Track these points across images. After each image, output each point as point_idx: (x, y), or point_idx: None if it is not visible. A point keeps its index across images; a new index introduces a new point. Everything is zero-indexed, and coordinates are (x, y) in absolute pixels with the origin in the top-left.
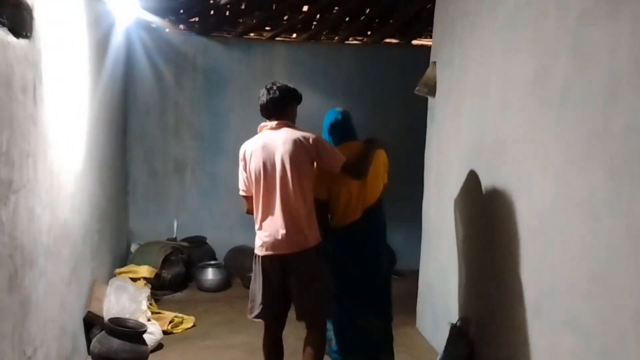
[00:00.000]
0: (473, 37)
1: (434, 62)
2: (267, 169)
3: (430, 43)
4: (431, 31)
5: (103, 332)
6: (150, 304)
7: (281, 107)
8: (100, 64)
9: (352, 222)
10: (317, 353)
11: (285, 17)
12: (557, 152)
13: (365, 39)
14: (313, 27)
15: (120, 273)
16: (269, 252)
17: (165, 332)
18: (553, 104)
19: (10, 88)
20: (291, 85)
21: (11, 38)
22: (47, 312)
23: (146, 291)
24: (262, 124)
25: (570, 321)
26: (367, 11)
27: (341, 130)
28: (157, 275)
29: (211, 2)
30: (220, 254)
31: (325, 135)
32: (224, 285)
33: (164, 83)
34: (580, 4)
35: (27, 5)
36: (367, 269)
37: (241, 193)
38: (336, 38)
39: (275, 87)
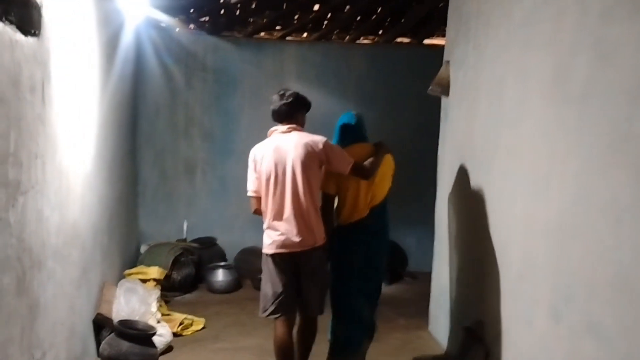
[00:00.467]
0: (488, 36)
1: (448, 62)
2: (278, 171)
3: (443, 42)
4: (443, 30)
5: (112, 334)
6: (160, 306)
7: (292, 113)
8: (109, 64)
9: (359, 219)
10: (310, 339)
11: (296, 17)
12: (577, 153)
13: (376, 39)
14: (324, 26)
15: (130, 274)
16: (281, 250)
17: (175, 334)
18: (573, 103)
19: (19, 88)
20: (302, 91)
21: (19, 36)
22: (56, 314)
23: (156, 293)
24: (273, 128)
25: (591, 327)
26: (379, 10)
27: (354, 132)
28: (167, 277)
29: (221, 1)
30: (231, 255)
31: (336, 134)
32: (235, 286)
33: (174, 83)
34: (601, 2)
35: (36, 3)
36: (370, 266)
37: (250, 194)
38: (347, 37)
39: (287, 94)
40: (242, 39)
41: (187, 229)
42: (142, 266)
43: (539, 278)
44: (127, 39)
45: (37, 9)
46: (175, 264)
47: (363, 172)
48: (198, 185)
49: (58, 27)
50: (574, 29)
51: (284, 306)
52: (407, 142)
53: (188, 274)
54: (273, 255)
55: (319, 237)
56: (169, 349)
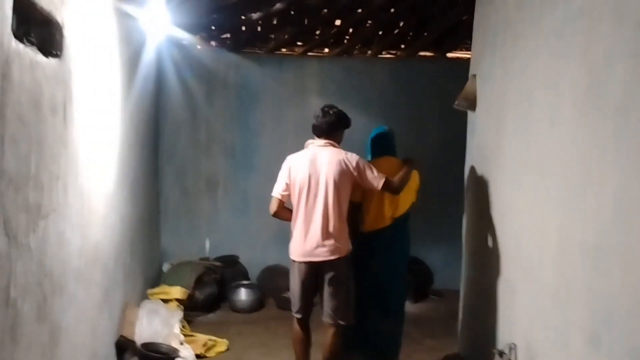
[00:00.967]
0: (516, 47)
1: (474, 75)
2: (312, 183)
3: (466, 56)
4: (467, 44)
5: (135, 357)
6: (183, 327)
7: (332, 130)
8: (131, 82)
9: (382, 228)
10: (338, 350)
11: (317, 32)
12: (615, 170)
13: (398, 53)
14: (345, 41)
15: (153, 294)
16: (306, 259)
17: (198, 356)
18: (610, 117)
19: (40, 109)
20: (343, 109)
21: (40, 57)
22: (77, 339)
23: (179, 314)
24: (310, 140)
25: (634, 353)
26: (401, 24)
27: (384, 146)
28: (190, 296)
29: (243, 18)
30: (253, 273)
31: (368, 147)
32: (258, 305)
33: (196, 100)
34: (638, 12)
35: (57, 23)
36: (390, 273)
37: (275, 195)
38: (369, 52)
39: (331, 111)
40: (263, 55)
41: (209, 246)
42: (164, 286)
43: (575, 300)
44: (148, 57)
45: (59, 29)
46: (198, 283)
47: (393, 189)
48: (220, 202)
49: (80, 46)
50: (610, 40)
51: (304, 309)
52: (432, 157)
53: (211, 293)
54: (299, 263)
55: (344, 249)
56: None
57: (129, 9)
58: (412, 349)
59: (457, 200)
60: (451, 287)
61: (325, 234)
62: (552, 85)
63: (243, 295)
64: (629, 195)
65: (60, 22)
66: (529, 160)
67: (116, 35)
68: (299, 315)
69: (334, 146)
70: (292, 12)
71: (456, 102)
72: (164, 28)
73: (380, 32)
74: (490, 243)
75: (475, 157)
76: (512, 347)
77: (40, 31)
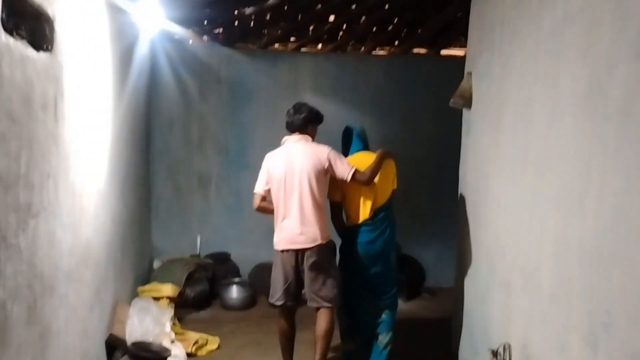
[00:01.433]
0: (514, 45)
1: (469, 73)
2: (288, 177)
3: (460, 53)
4: (462, 41)
5: (126, 356)
6: (174, 324)
7: (304, 125)
8: (124, 77)
9: (364, 220)
10: (327, 332)
11: (311, 28)
12: (616, 172)
13: (392, 50)
14: (339, 37)
15: (144, 292)
16: (288, 247)
17: (189, 355)
18: (611, 118)
19: (30, 105)
20: (317, 103)
21: (31, 52)
22: (68, 340)
23: (170, 312)
24: (286, 137)
25: (633, 357)
26: (395, 21)
27: (356, 143)
28: (181, 294)
29: (235, 13)
30: (245, 270)
31: (345, 146)
32: (249, 303)
33: (188, 96)
34: None
35: (48, 17)
36: (377, 262)
37: (257, 191)
38: (363, 48)
39: (302, 108)
40: (256, 51)
41: (200, 243)
42: (155, 283)
43: (574, 302)
44: (141, 51)
45: (50, 22)
46: (189, 280)
47: (363, 178)
48: (212, 199)
49: (71, 41)
50: (612, 40)
51: (289, 295)
52: (425, 155)
53: (202, 291)
54: (282, 251)
55: (322, 236)
56: None
57: (121, 2)
58: (406, 347)
59: (450, 199)
60: (444, 285)
61: (303, 223)
62: (551, 85)
63: (234, 292)
64: (629, 197)
65: (51, 16)
66: (527, 160)
67: (108, 30)
68: (279, 303)
69: (308, 141)
70: (285, 8)
71: (452, 100)
72: (157, 22)
73: (374, 29)
74: (486, 242)
75: (471, 155)
76: (507, 347)
77: (30, 25)
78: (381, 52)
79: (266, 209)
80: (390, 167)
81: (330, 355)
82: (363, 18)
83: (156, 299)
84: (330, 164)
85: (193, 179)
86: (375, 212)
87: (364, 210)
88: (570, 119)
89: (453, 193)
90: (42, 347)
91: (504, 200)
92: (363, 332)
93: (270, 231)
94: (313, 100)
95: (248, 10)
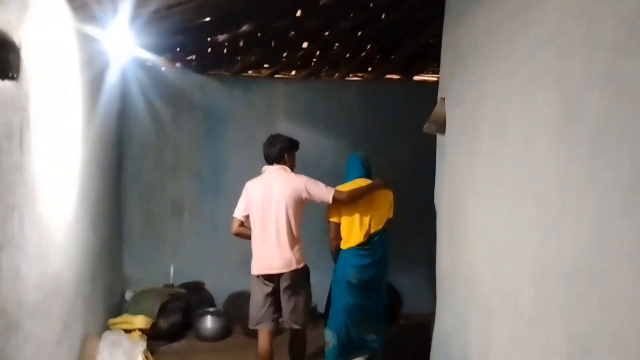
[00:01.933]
0: (486, 71)
1: (443, 99)
2: (265, 205)
3: (433, 78)
4: (434, 67)
5: None
6: (147, 357)
7: (279, 156)
8: (93, 105)
9: (357, 244)
10: (300, 353)
11: (285, 54)
12: (593, 194)
13: (366, 75)
14: (313, 63)
15: (115, 324)
16: (264, 272)
17: None
18: (586, 141)
19: None
20: (291, 129)
21: None
22: None
23: (142, 345)
24: (265, 167)
25: None
26: (369, 47)
27: (358, 170)
28: (154, 325)
29: (209, 39)
30: (220, 299)
31: (347, 173)
32: (224, 333)
33: (161, 122)
34: (612, 36)
35: (14, 44)
36: (370, 285)
37: (236, 216)
38: (336, 74)
39: (276, 140)
40: (230, 77)
41: (173, 273)
42: (127, 315)
43: (554, 326)
44: (111, 79)
45: (16, 50)
46: (162, 311)
47: (342, 197)
48: (185, 226)
49: (39, 68)
50: (584, 64)
51: (267, 318)
52: (401, 180)
53: (175, 322)
54: (258, 276)
55: (297, 261)
56: None
57: (90, 30)
58: None
59: (427, 224)
60: (421, 311)
61: (279, 249)
62: (525, 109)
63: (209, 323)
64: (606, 219)
65: (17, 43)
66: (502, 184)
67: (78, 57)
68: (258, 326)
69: (285, 170)
70: (259, 34)
71: (425, 126)
72: (128, 49)
73: (348, 55)
74: (463, 267)
75: (447, 180)
76: None
77: None
78: (355, 78)
79: (243, 234)
80: (387, 196)
81: None
82: (336, 44)
83: (128, 331)
84: (308, 192)
85: (166, 205)
86: (370, 236)
87: (359, 233)
88: (545, 143)
89: (429, 218)
90: None
91: (480, 224)
92: (352, 353)
93: (245, 258)
94: (287, 126)
95: (221, 37)
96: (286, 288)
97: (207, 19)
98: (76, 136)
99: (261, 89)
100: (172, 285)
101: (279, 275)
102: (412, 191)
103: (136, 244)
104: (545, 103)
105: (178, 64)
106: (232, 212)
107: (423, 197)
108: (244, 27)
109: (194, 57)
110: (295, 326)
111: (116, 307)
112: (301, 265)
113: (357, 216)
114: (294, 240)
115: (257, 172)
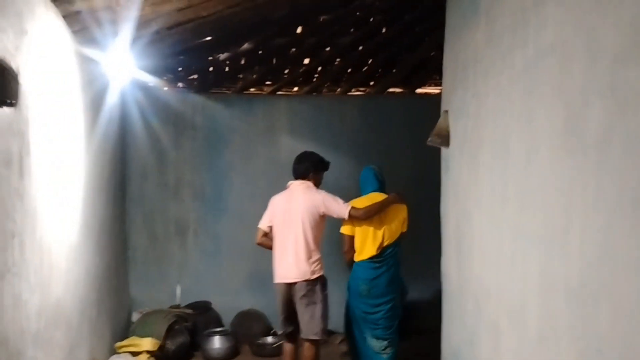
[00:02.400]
0: (488, 84)
1: (446, 111)
2: (287, 217)
3: (435, 91)
4: (436, 79)
5: None
6: None
7: (305, 173)
8: (94, 128)
9: (370, 256)
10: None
11: (286, 71)
12: (599, 207)
13: (368, 90)
14: (314, 79)
15: (121, 347)
16: (282, 280)
17: None
18: (590, 153)
19: None
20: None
21: None
22: None
23: None
24: (290, 181)
25: None
26: (370, 62)
27: (372, 183)
28: (161, 347)
29: (210, 58)
30: (227, 319)
31: (360, 187)
32: (232, 354)
33: (163, 143)
34: (613, 46)
35: (12, 71)
36: (381, 297)
37: (261, 226)
38: (338, 90)
39: (305, 158)
40: (231, 96)
41: (180, 293)
42: (134, 337)
43: (563, 341)
44: (112, 101)
45: (14, 76)
46: (169, 332)
47: (358, 214)
48: (190, 247)
49: (38, 93)
50: (585, 75)
51: (288, 323)
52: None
53: (183, 343)
54: (278, 284)
55: (312, 272)
56: None
57: (90, 52)
58: None
59: (432, 238)
60: (428, 326)
61: (296, 260)
62: (527, 121)
63: (216, 343)
64: (613, 232)
65: (15, 69)
66: (506, 197)
67: (78, 80)
68: (280, 331)
69: (308, 186)
70: (260, 52)
71: (429, 139)
72: (128, 71)
73: (349, 70)
74: (470, 282)
75: (451, 194)
76: None
77: None
78: (357, 93)
79: (264, 244)
80: (402, 210)
81: None
82: (337, 60)
83: (135, 354)
84: (325, 207)
85: (170, 226)
86: (382, 250)
87: (372, 246)
88: (548, 155)
89: (434, 232)
90: None
91: (486, 237)
92: None
93: (252, 277)
94: (290, 142)
95: (222, 56)
96: (302, 297)
97: (208, 38)
98: (77, 159)
99: (263, 106)
100: (178, 306)
101: (295, 284)
102: (417, 206)
103: (141, 265)
104: (547, 115)
105: (180, 84)
106: (236, 230)
107: (429, 211)
108: (245, 45)
109: (195, 76)
110: (313, 336)
111: (123, 330)
112: (315, 276)
113: (370, 229)
114: (310, 252)
115: (260, 190)
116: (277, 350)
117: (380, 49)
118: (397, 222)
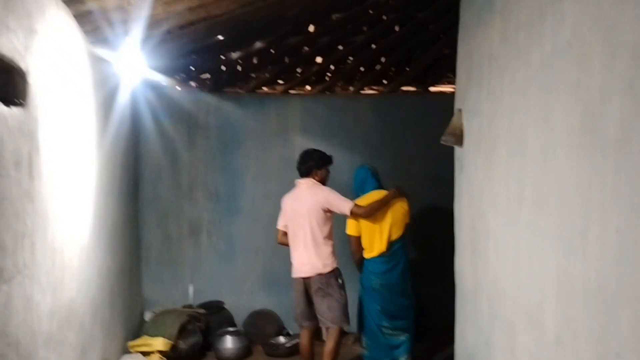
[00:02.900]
0: (504, 82)
1: (460, 110)
2: (295, 215)
3: (449, 89)
4: (450, 77)
5: None
6: None
7: (309, 170)
8: (106, 128)
9: (380, 253)
10: (332, 349)
11: (299, 70)
12: (618, 207)
13: (381, 88)
14: (327, 78)
15: (134, 347)
16: (297, 275)
17: None
18: (607, 151)
19: (0, 164)
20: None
21: (1, 107)
22: None
23: None
24: (298, 180)
25: None
26: (383, 60)
27: (369, 182)
28: (173, 347)
29: (222, 58)
30: (240, 319)
31: (356, 187)
32: (245, 354)
33: (176, 143)
34: (632, 43)
35: (20, 70)
36: (394, 289)
37: (278, 227)
38: (351, 88)
39: (308, 156)
40: (244, 95)
41: (193, 293)
42: (146, 337)
43: (581, 344)
44: (124, 101)
45: (22, 76)
46: (182, 332)
47: (360, 212)
48: (203, 247)
49: (48, 94)
50: (603, 73)
51: (304, 317)
52: (419, 193)
53: (195, 343)
54: (294, 279)
55: (324, 266)
56: None
57: (102, 52)
58: None
59: (446, 238)
60: (441, 326)
61: (306, 255)
62: (543, 120)
63: (229, 343)
64: (632, 233)
65: (24, 69)
66: (523, 197)
67: (89, 80)
68: (300, 324)
69: (314, 183)
70: (272, 51)
71: (443, 138)
72: (140, 71)
73: (362, 69)
74: (486, 283)
75: (465, 193)
76: None
77: (1, 80)
78: (370, 92)
79: (284, 243)
80: (402, 204)
81: None
82: (350, 58)
83: (147, 354)
84: (327, 202)
85: (183, 226)
86: (390, 245)
87: (381, 243)
88: (565, 154)
89: (449, 232)
90: None
91: (501, 238)
92: (384, 355)
93: (265, 277)
94: (303, 142)
95: (235, 55)
96: (317, 290)
97: (220, 37)
98: (89, 160)
99: (276, 105)
100: (191, 306)
101: (309, 278)
102: (432, 204)
103: (155, 266)
104: (564, 113)
105: (192, 84)
106: (249, 230)
107: (443, 211)
108: (257, 44)
109: (208, 76)
110: (331, 324)
111: (135, 329)
112: (327, 270)
113: (377, 227)
114: (319, 247)
115: (274, 190)
116: (290, 350)
117: (394, 48)
118: (401, 215)
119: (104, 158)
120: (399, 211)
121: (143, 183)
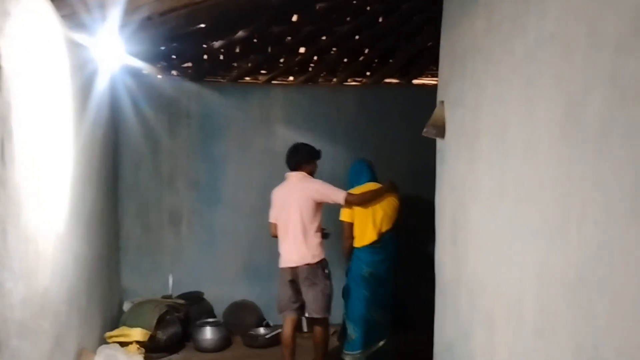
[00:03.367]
0: (487, 73)
1: (442, 102)
2: (285, 207)
3: (432, 82)
4: (433, 70)
5: None
6: None
7: (297, 163)
8: (83, 115)
9: (371, 242)
10: (322, 338)
11: (282, 60)
12: (598, 198)
13: (364, 80)
14: (310, 69)
15: (111, 337)
16: (285, 265)
17: None
18: (589, 143)
19: None
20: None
21: None
22: None
23: (139, 358)
24: (287, 172)
25: None
26: (366, 51)
27: (364, 175)
28: (152, 337)
29: (204, 46)
30: (219, 310)
31: (352, 179)
32: (224, 344)
33: (156, 132)
34: (614, 35)
35: None
36: (381, 278)
37: (270, 220)
38: (334, 79)
39: (296, 150)
40: (226, 84)
41: (172, 283)
42: (124, 327)
43: (559, 336)
44: (102, 87)
45: None
46: (161, 322)
47: (354, 199)
48: (184, 236)
49: (22, 78)
50: (586, 64)
51: (288, 307)
52: (401, 186)
53: (174, 333)
54: (282, 269)
55: (312, 256)
56: None
57: (79, 37)
58: None
59: (427, 230)
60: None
61: (295, 246)
62: (526, 111)
63: (208, 334)
64: (611, 225)
65: None
66: (504, 189)
67: (66, 65)
68: (285, 315)
69: (304, 175)
70: (255, 40)
71: (425, 130)
72: (119, 57)
73: (346, 60)
74: (465, 275)
75: (447, 185)
76: None
77: None
78: (353, 83)
79: (277, 235)
80: (394, 198)
81: None
82: (334, 49)
83: (125, 344)
84: (319, 193)
85: (163, 215)
86: (381, 235)
87: (373, 232)
88: (547, 146)
89: (430, 224)
90: None
91: (482, 230)
92: (373, 341)
93: (246, 268)
94: (285, 132)
95: (217, 44)
96: (304, 279)
97: (202, 25)
98: (65, 146)
99: (258, 95)
100: (170, 296)
101: (295, 268)
102: (413, 197)
103: (134, 255)
104: (546, 105)
105: (174, 72)
106: (230, 220)
107: (424, 203)
108: (240, 33)
109: (189, 64)
110: (316, 315)
111: (114, 320)
112: (316, 260)
113: (370, 216)
114: (309, 238)
115: (255, 180)
116: (269, 342)
117: (377, 39)
118: (392, 209)
119: (82, 145)
120: (390, 205)
121: (123, 171)
